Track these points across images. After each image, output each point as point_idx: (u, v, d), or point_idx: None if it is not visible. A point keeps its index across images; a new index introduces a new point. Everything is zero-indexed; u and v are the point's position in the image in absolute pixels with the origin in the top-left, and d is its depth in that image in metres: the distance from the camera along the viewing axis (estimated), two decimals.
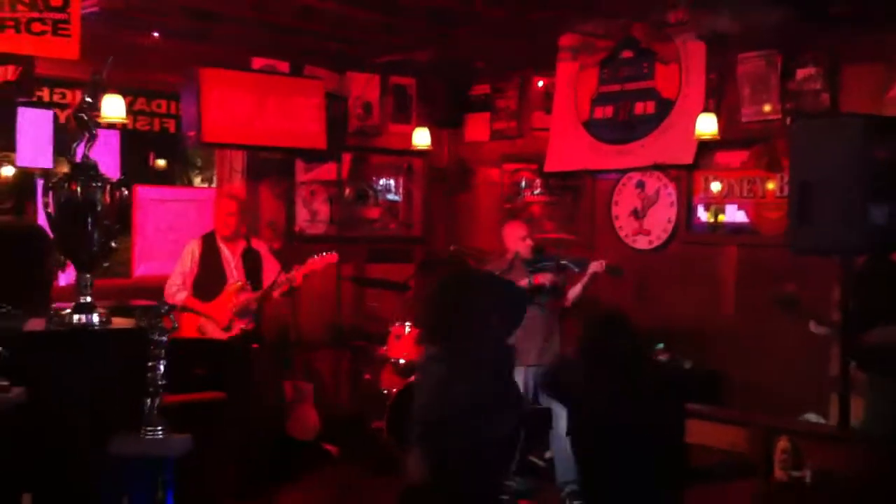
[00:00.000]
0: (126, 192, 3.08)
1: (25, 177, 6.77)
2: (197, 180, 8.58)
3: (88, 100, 2.99)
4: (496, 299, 4.06)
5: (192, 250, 6.53)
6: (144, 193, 7.28)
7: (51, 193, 2.94)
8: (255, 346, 6.37)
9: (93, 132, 2.95)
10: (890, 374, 4.84)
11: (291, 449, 6.91)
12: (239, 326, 6.40)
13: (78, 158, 2.95)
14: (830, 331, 5.23)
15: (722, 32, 6.32)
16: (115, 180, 2.99)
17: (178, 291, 6.42)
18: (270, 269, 6.66)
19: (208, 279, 6.48)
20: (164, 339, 2.78)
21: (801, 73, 6.41)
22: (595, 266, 6.20)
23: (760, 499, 4.73)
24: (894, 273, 5.09)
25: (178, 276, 6.49)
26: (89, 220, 2.90)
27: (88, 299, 2.99)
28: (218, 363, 5.49)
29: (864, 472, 4.26)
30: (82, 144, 2.97)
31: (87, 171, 2.92)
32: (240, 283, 6.48)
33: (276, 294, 6.55)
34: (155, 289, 6.66)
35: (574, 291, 6.30)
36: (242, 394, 5.65)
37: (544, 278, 6.20)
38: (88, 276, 2.99)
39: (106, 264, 3.06)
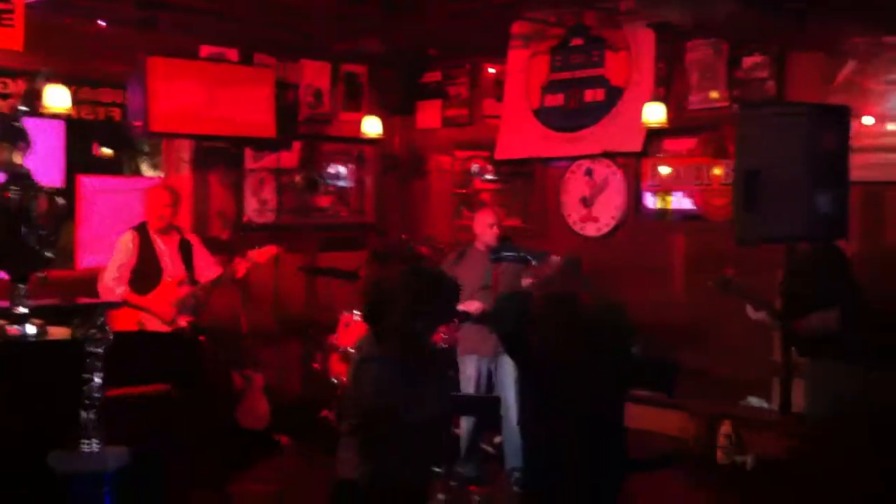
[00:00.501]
0: (62, 202, 3.03)
1: None
2: (145, 167, 8.47)
3: (23, 108, 2.94)
4: (427, 298, 4.09)
5: (127, 243, 6.43)
6: (90, 184, 7.17)
7: None
8: (202, 337, 6.31)
9: (28, 141, 2.90)
10: (824, 358, 4.94)
11: (242, 439, 6.88)
12: (184, 320, 6.35)
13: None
14: (767, 316, 5.31)
15: (671, 23, 6.35)
16: (50, 189, 2.94)
17: (116, 286, 6.33)
18: (203, 261, 6.62)
19: (145, 272, 6.40)
20: (101, 350, 2.72)
21: (747, 62, 6.48)
22: (555, 259, 6.14)
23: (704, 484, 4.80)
24: (835, 259, 5.17)
25: (113, 270, 6.37)
26: (23, 230, 2.84)
27: (24, 310, 2.93)
28: (164, 356, 5.44)
29: (802, 456, 4.35)
30: (17, 153, 2.92)
31: (21, 180, 2.87)
32: (178, 277, 6.43)
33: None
34: None
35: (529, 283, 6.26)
36: (190, 385, 5.60)
37: (469, 306, 6.14)
38: (23, 286, 2.94)
39: (42, 275, 3.00)
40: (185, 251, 6.57)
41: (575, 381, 4.07)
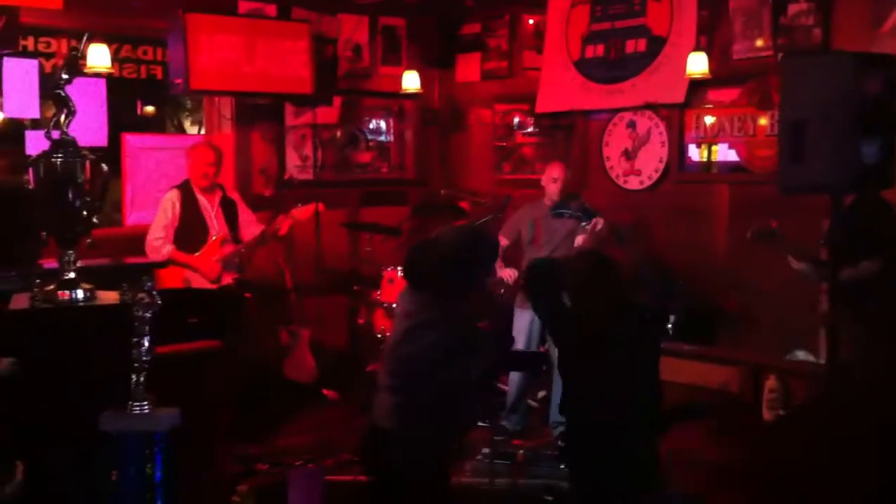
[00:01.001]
0: (106, 168, 3.07)
1: (14, 126, 6.73)
2: (187, 123, 8.54)
3: (65, 76, 2.97)
4: (464, 255, 4.16)
5: (172, 201, 6.47)
6: (134, 142, 7.24)
7: (30, 170, 2.94)
8: (248, 295, 6.37)
9: (71, 109, 2.93)
10: (861, 309, 4.90)
11: (290, 393, 6.99)
12: (229, 277, 6.41)
13: (56, 136, 2.94)
14: (808, 266, 5.27)
15: None
16: (94, 155, 2.98)
17: (162, 245, 6.38)
18: (246, 219, 6.67)
19: (190, 230, 6.44)
20: (148, 315, 2.77)
21: (793, 9, 6.34)
22: (599, 223, 6.11)
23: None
24: (881, 209, 5.11)
25: (159, 229, 6.42)
26: (70, 196, 2.89)
27: (73, 275, 2.99)
28: (212, 312, 5.51)
29: (841, 407, 4.33)
30: (60, 120, 2.96)
31: (66, 146, 2.91)
32: (221, 235, 6.48)
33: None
34: None
35: (580, 242, 6.26)
36: (238, 341, 5.69)
37: (506, 273, 6.32)
38: (71, 251, 2.99)
39: (89, 240, 3.06)
40: (229, 209, 6.62)
41: (600, 344, 4.09)
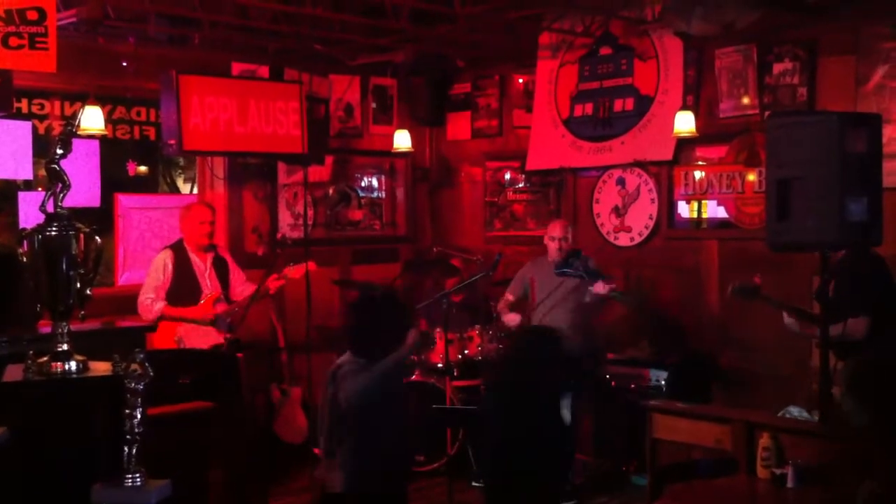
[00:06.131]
0: (99, 241, 3.09)
1: (7, 185, 6.77)
2: (180, 181, 8.57)
3: (60, 151, 2.99)
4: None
5: (165, 261, 6.47)
6: (126, 202, 7.27)
7: (24, 243, 2.96)
8: (240, 355, 6.36)
9: (66, 183, 2.96)
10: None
11: (281, 452, 6.95)
12: (221, 336, 6.38)
13: (50, 209, 2.96)
14: (797, 322, 5.29)
15: (697, 34, 6.34)
16: (88, 229, 3.00)
17: (153, 303, 6.37)
18: (237, 279, 6.68)
19: (182, 289, 6.44)
20: (141, 386, 2.77)
21: (777, 68, 6.45)
22: (599, 287, 6.10)
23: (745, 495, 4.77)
24: (872, 266, 5.15)
25: (150, 289, 6.40)
26: (63, 269, 2.91)
27: (65, 347, 2.99)
28: (203, 372, 5.50)
29: (838, 466, 4.31)
30: (54, 195, 2.98)
31: (60, 220, 2.93)
32: (215, 294, 6.48)
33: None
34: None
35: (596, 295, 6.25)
36: (229, 401, 5.67)
37: (511, 319, 6.39)
38: (64, 323, 3.00)
39: (82, 313, 3.06)
40: (221, 268, 6.62)
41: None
